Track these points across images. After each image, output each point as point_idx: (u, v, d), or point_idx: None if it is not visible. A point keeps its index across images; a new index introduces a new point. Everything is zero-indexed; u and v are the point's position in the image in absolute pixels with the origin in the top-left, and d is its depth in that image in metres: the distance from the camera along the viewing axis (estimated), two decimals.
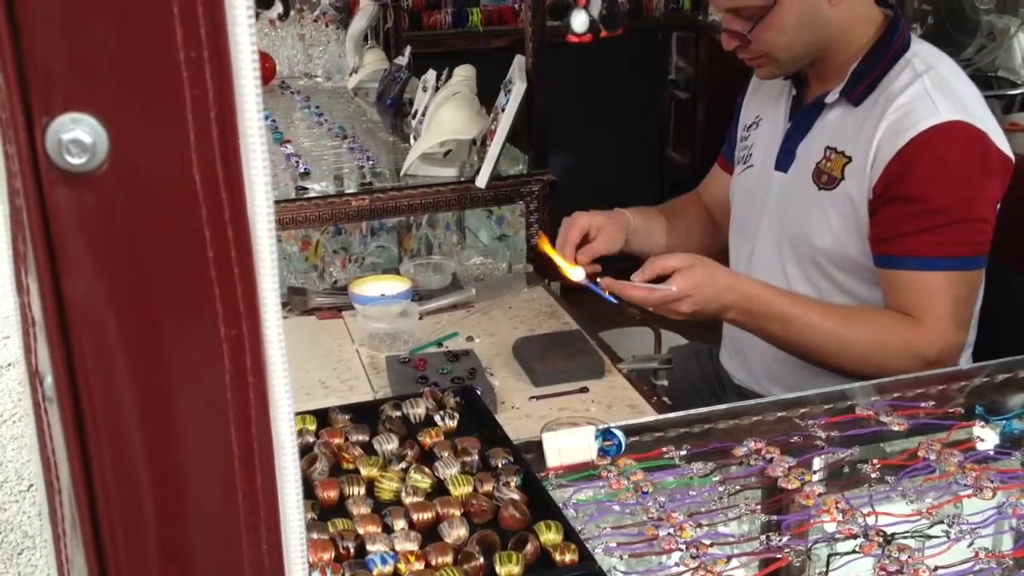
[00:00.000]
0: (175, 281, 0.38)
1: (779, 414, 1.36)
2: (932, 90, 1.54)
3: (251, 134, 0.38)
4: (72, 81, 0.36)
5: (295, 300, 2.03)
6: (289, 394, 0.41)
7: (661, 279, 1.51)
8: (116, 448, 0.39)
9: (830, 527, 1.11)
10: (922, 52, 1.62)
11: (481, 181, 2.20)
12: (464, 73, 2.36)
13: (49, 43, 0.36)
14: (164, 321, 0.38)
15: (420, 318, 1.90)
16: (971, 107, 1.55)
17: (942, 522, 1.11)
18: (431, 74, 2.55)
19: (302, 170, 2.37)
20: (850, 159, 1.60)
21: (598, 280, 1.55)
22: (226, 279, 0.39)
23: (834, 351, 1.56)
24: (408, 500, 1.08)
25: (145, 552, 0.41)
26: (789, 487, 1.18)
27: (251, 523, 0.42)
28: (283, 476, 0.42)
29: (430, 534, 1.03)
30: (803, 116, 1.71)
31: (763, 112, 1.83)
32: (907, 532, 1.09)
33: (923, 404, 1.36)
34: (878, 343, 1.54)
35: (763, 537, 1.10)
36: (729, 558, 1.06)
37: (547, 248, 1.73)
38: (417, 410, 1.26)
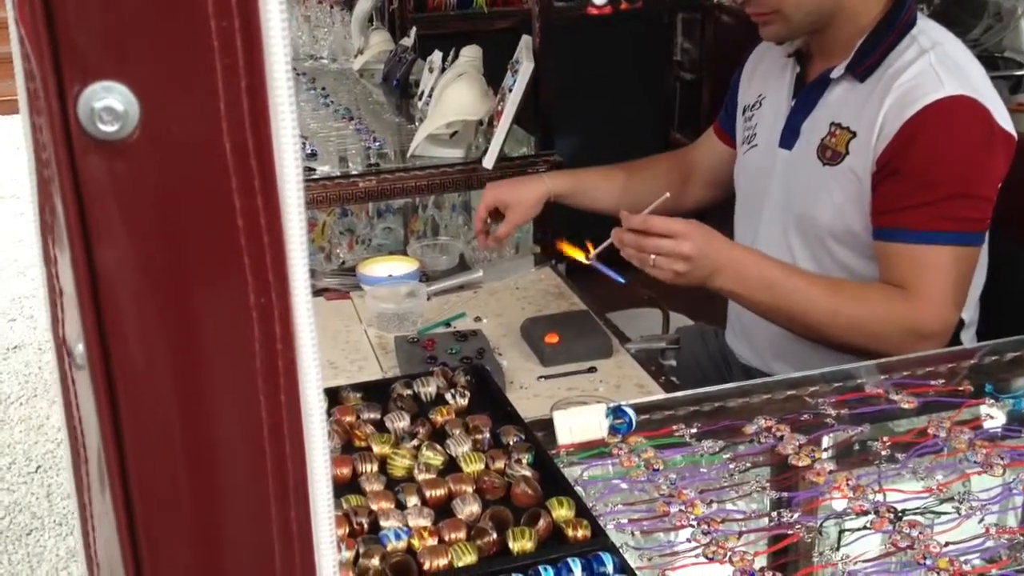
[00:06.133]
0: (206, 249, 0.39)
1: (789, 392, 1.36)
2: (938, 66, 1.54)
3: (280, 104, 0.38)
4: (104, 50, 0.36)
5: None
6: (317, 363, 0.42)
7: None
8: (147, 415, 0.39)
9: (840, 504, 1.12)
10: (928, 29, 1.62)
11: (488, 162, 2.20)
12: (470, 54, 2.36)
13: (81, 13, 0.36)
14: (195, 289, 0.39)
15: (428, 299, 1.90)
16: (976, 83, 1.55)
17: (952, 499, 1.12)
18: (437, 55, 2.54)
19: (308, 151, 2.37)
20: (855, 134, 1.60)
21: (590, 258, 1.60)
22: (256, 248, 0.39)
23: (823, 320, 1.55)
24: (421, 477, 1.09)
25: (176, 520, 0.41)
26: (799, 464, 1.19)
27: (280, 491, 0.42)
28: (311, 444, 0.42)
29: (443, 510, 1.04)
30: (808, 93, 1.71)
31: (765, 91, 1.83)
32: (917, 509, 1.10)
33: (933, 382, 1.36)
34: (867, 313, 1.54)
35: (774, 514, 1.11)
36: (740, 534, 1.07)
37: (566, 249, 1.78)
38: (428, 389, 1.27)
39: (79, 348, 0.40)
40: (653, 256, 1.51)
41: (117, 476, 0.40)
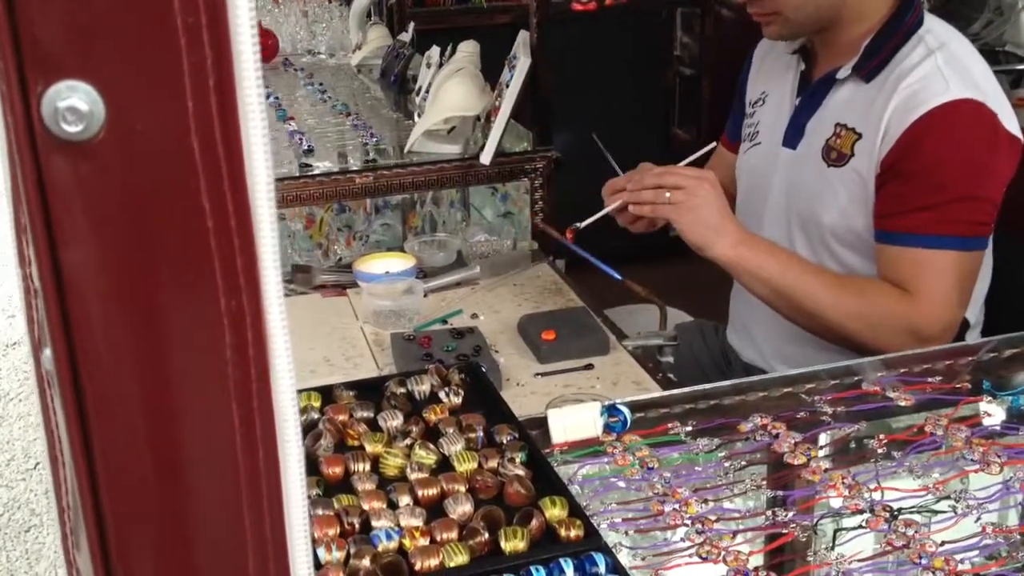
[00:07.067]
0: (174, 251, 0.38)
1: (785, 390, 1.35)
2: (944, 67, 1.53)
3: (250, 102, 0.38)
4: (68, 49, 0.35)
5: (300, 278, 2.02)
6: (291, 368, 0.41)
7: None
8: (115, 421, 0.39)
9: (836, 502, 1.11)
10: (935, 29, 1.60)
11: (485, 158, 2.19)
12: (468, 49, 2.35)
13: (44, 11, 0.35)
14: (164, 292, 0.38)
15: (425, 295, 1.90)
16: (983, 86, 1.54)
17: (949, 497, 1.11)
18: (435, 50, 2.53)
19: (306, 147, 2.37)
20: (860, 136, 1.58)
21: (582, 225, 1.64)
22: (226, 250, 0.38)
23: (825, 306, 1.55)
24: (413, 476, 1.08)
25: (146, 527, 0.41)
26: (795, 463, 1.18)
27: (253, 498, 0.41)
28: (285, 451, 0.41)
29: (435, 510, 1.03)
30: (813, 92, 1.69)
31: (769, 88, 1.82)
32: (914, 507, 1.09)
33: (930, 379, 1.35)
34: (869, 305, 1.54)
35: (769, 512, 1.10)
36: (735, 533, 1.06)
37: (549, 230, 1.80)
38: (422, 387, 1.26)
39: (47, 351, 0.39)
40: (668, 193, 1.54)
41: (86, 482, 0.39)
